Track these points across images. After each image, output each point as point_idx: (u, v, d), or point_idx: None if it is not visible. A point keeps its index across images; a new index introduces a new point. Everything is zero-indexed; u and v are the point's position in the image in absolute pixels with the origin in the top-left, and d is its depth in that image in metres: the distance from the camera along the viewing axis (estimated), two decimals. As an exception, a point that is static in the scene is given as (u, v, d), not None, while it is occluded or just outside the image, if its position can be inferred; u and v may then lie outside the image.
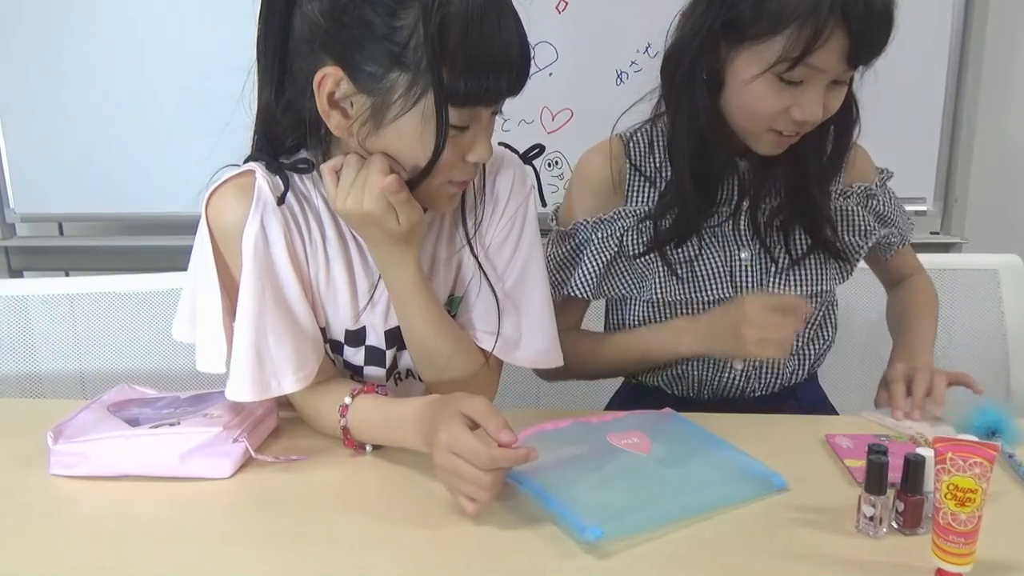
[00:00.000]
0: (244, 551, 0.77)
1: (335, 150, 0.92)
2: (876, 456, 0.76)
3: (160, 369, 1.45)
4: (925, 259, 1.21)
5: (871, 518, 0.76)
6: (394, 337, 1.00)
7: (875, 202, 1.17)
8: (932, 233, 2.03)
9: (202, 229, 0.93)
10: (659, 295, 1.11)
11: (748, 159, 1.09)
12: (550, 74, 1.91)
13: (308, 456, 0.94)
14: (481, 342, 1.00)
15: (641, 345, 1.14)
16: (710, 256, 1.11)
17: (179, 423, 0.92)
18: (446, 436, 0.79)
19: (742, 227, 1.12)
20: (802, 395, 1.20)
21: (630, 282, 1.14)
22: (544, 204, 1.04)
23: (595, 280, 1.12)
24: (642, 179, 1.13)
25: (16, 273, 2.14)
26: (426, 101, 0.82)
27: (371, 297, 0.97)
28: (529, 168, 1.02)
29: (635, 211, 1.12)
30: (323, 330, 0.98)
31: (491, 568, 0.74)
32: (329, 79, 0.83)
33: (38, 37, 1.94)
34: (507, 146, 1.01)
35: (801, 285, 1.12)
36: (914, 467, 0.76)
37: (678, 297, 1.12)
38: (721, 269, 1.11)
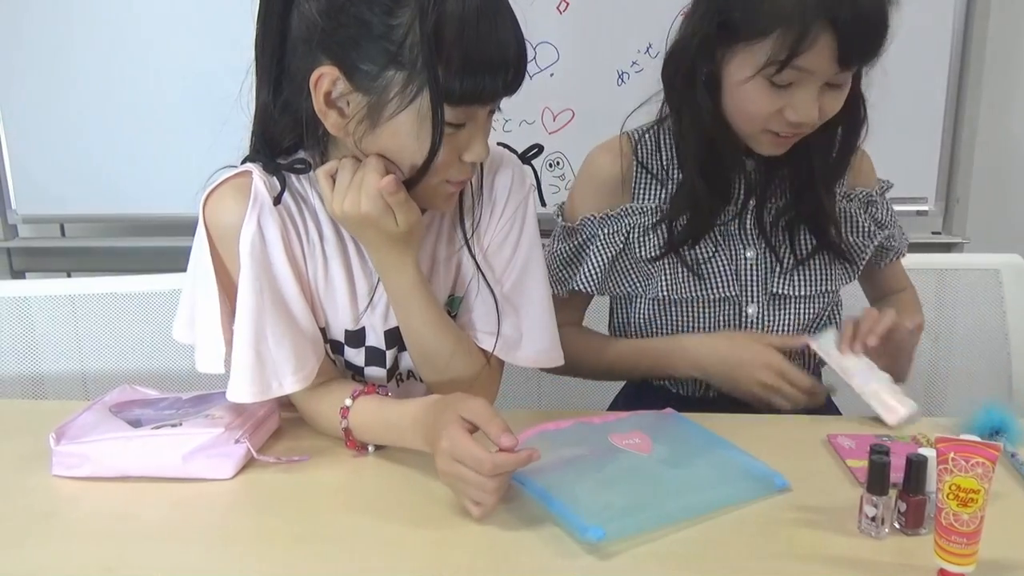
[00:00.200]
0: (246, 552, 0.77)
1: (333, 150, 0.92)
2: (878, 456, 0.76)
3: (162, 370, 1.45)
4: (926, 259, 1.21)
5: (873, 518, 0.76)
6: (394, 338, 1.00)
7: (874, 209, 1.17)
8: (934, 233, 2.02)
9: (200, 230, 0.93)
10: (664, 293, 1.12)
11: (755, 158, 1.09)
12: (551, 75, 1.90)
13: (310, 457, 0.94)
14: (481, 342, 1.00)
15: (645, 358, 1.15)
16: (716, 255, 1.12)
17: (181, 424, 0.92)
18: (447, 443, 0.79)
19: (748, 226, 1.12)
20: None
21: (636, 280, 1.14)
22: (543, 204, 1.04)
23: (600, 275, 1.13)
24: (649, 177, 1.14)
25: (18, 274, 2.14)
26: (422, 99, 0.82)
27: (371, 300, 0.97)
28: (528, 168, 1.02)
29: (642, 208, 1.13)
30: (323, 330, 0.98)
31: (493, 568, 0.74)
32: (325, 78, 0.83)
33: (40, 39, 1.94)
34: (505, 146, 1.01)
35: (806, 285, 1.13)
36: (916, 467, 0.76)
37: (684, 295, 1.12)
38: (727, 268, 1.12)
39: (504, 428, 0.78)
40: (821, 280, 1.13)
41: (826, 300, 1.16)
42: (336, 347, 1.00)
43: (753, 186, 1.11)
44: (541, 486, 0.82)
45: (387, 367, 1.02)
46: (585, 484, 0.83)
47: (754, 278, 1.12)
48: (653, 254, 1.11)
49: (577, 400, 1.51)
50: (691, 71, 1.03)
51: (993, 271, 1.47)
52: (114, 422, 0.94)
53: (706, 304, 1.13)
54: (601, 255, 1.13)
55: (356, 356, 1.01)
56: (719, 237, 1.12)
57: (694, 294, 1.12)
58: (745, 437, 0.95)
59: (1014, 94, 2.04)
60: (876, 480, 0.76)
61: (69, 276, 2.07)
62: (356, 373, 1.03)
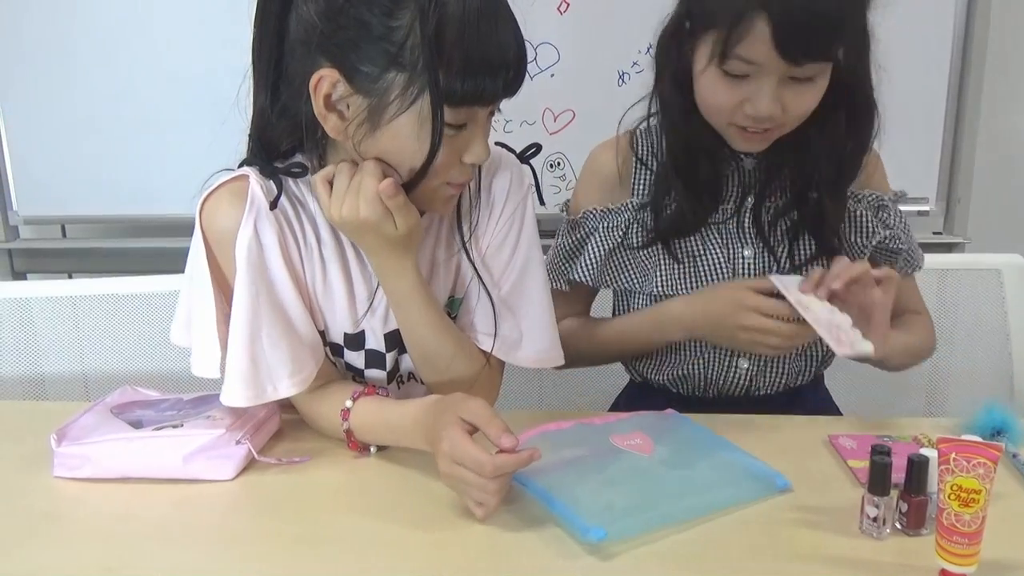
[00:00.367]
0: (247, 553, 0.77)
1: (331, 154, 0.92)
2: (880, 457, 0.76)
3: (163, 371, 1.45)
4: (927, 259, 1.20)
5: (875, 519, 0.76)
6: (393, 340, 1.00)
7: (885, 214, 1.14)
8: (935, 233, 2.02)
9: (196, 234, 0.92)
10: (660, 289, 1.12)
11: (755, 157, 1.09)
12: (552, 75, 1.90)
13: (310, 458, 0.94)
14: (482, 344, 1.00)
15: (635, 329, 1.15)
16: (713, 252, 1.12)
17: (182, 425, 0.92)
18: (447, 446, 0.79)
19: (746, 225, 1.12)
20: (807, 397, 1.20)
21: (634, 275, 1.15)
22: (542, 203, 1.04)
23: (597, 266, 1.14)
24: (647, 173, 1.15)
25: (19, 275, 2.15)
26: (423, 101, 0.82)
27: (370, 305, 0.97)
28: (527, 168, 1.02)
29: (641, 204, 1.14)
30: (322, 334, 0.98)
31: (494, 569, 0.74)
32: (325, 81, 0.83)
33: (42, 40, 1.94)
34: (504, 145, 1.01)
35: None
36: (917, 468, 0.76)
37: (681, 291, 1.12)
38: (724, 266, 1.11)
39: (504, 429, 0.78)
40: None
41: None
42: (336, 350, 1.00)
43: (750, 185, 1.10)
44: (542, 487, 0.82)
45: (387, 369, 1.02)
46: (586, 485, 0.83)
47: (751, 277, 1.12)
48: (641, 242, 1.12)
49: (578, 401, 1.51)
50: (666, 65, 1.06)
51: (994, 271, 1.47)
52: (115, 423, 0.94)
53: None
54: (599, 247, 1.14)
55: (356, 359, 1.01)
56: (716, 234, 1.12)
57: (690, 290, 1.12)
58: (746, 438, 0.95)
59: (1015, 94, 2.04)
60: (877, 480, 0.76)
61: (70, 277, 2.07)
62: (356, 375, 1.03)
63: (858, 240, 1.12)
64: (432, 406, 0.87)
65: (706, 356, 1.15)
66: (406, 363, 1.03)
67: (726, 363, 1.14)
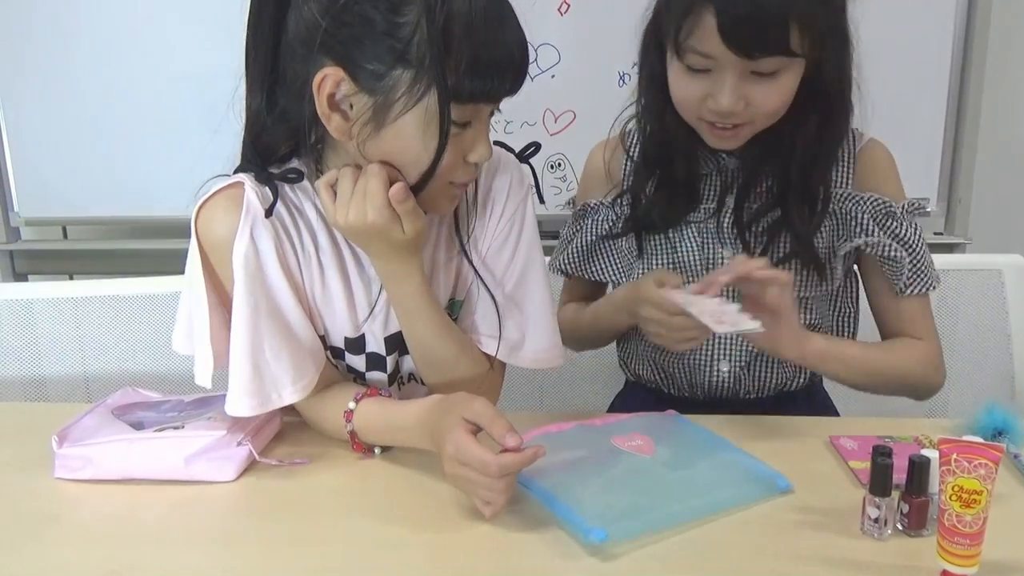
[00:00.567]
0: (248, 554, 0.77)
1: (329, 158, 0.91)
2: (881, 458, 0.76)
3: (164, 372, 1.45)
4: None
5: (876, 520, 0.76)
6: (394, 343, 1.00)
7: (894, 222, 1.06)
8: (936, 234, 2.03)
9: (192, 243, 0.92)
10: None
11: (737, 156, 1.09)
12: (552, 76, 1.90)
13: (312, 460, 0.94)
14: (484, 346, 1.00)
15: (603, 309, 1.17)
16: (691, 251, 1.12)
17: (183, 426, 0.92)
18: (452, 448, 0.79)
19: (726, 225, 1.11)
20: (801, 400, 1.19)
21: (617, 268, 1.18)
22: (542, 202, 1.04)
23: (579, 256, 1.19)
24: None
25: (21, 277, 2.15)
26: (429, 99, 0.81)
27: (372, 310, 0.97)
28: (527, 167, 1.01)
29: (619, 192, 1.17)
30: (322, 338, 0.98)
31: (496, 570, 0.74)
32: (329, 79, 0.82)
33: (43, 41, 1.95)
34: (503, 145, 1.01)
35: None
36: (919, 468, 0.76)
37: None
38: (701, 265, 1.11)
39: (508, 428, 0.78)
40: (796, 285, 1.06)
41: (810, 306, 1.11)
42: (337, 353, 1.00)
43: (731, 184, 1.10)
44: (544, 488, 0.82)
45: (388, 372, 1.02)
46: (588, 486, 0.83)
47: None
48: (616, 231, 1.15)
49: (579, 402, 1.51)
50: (644, 62, 1.07)
51: (995, 271, 1.47)
52: (116, 425, 0.94)
53: None
54: (584, 238, 1.18)
55: (357, 362, 1.01)
56: (696, 233, 1.12)
57: None
58: (747, 438, 0.95)
59: (1015, 94, 2.04)
60: (879, 481, 0.76)
61: (71, 279, 2.07)
62: (358, 377, 1.03)
63: (839, 241, 1.09)
64: (435, 406, 0.87)
65: (686, 358, 1.15)
66: (407, 365, 1.03)
67: (706, 365, 1.14)
